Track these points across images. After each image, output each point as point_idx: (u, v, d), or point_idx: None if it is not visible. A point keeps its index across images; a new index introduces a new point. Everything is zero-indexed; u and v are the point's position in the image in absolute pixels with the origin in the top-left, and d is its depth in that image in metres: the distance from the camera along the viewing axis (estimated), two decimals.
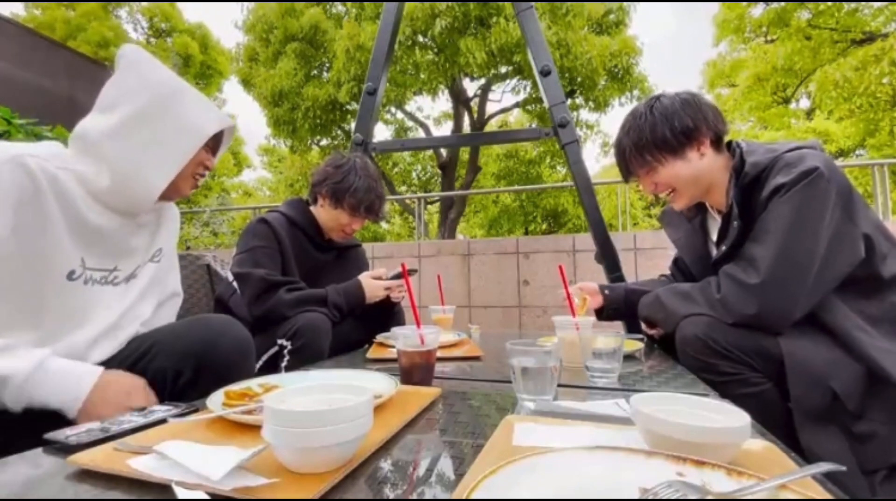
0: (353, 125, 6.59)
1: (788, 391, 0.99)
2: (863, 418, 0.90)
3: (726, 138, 1.18)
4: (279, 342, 1.33)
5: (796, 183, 0.98)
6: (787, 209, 0.98)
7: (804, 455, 0.95)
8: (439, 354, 1.04)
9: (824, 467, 0.44)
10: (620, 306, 1.46)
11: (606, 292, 1.46)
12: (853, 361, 0.93)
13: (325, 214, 1.58)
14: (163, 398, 0.87)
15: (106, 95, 0.92)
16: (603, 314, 1.50)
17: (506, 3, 6.13)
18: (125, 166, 0.88)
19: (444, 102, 10.91)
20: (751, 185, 1.08)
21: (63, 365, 0.78)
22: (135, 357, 0.93)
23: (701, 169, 1.14)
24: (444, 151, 9.60)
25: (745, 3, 9.87)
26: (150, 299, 1.05)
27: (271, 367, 1.32)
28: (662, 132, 1.13)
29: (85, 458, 0.52)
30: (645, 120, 1.16)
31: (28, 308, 0.82)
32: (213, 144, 1.03)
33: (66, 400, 0.75)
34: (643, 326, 1.38)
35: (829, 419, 0.91)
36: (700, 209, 1.31)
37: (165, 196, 0.99)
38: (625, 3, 8.03)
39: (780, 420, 0.98)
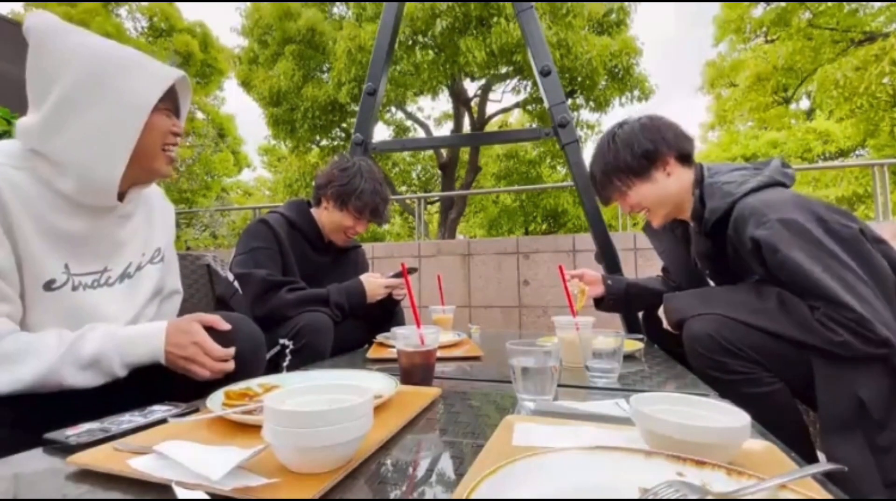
0: (352, 126, 6.58)
1: (802, 392, 0.98)
2: (886, 428, 0.88)
3: (694, 153, 1.21)
4: (281, 341, 1.33)
5: (782, 238, 0.95)
6: (798, 261, 0.93)
7: (816, 462, 0.94)
8: (439, 354, 1.04)
9: (825, 467, 0.44)
10: (620, 298, 1.49)
11: (609, 282, 1.50)
12: (878, 367, 0.91)
13: (328, 216, 1.58)
14: (176, 394, 0.86)
15: (29, 84, 0.81)
16: (602, 303, 1.52)
17: (506, 3, 6.12)
18: (72, 163, 0.80)
19: (444, 103, 10.92)
20: (715, 228, 1.10)
21: (132, 332, 0.84)
22: None
23: (669, 187, 1.19)
24: (444, 152, 9.60)
25: (745, 3, 9.87)
26: (152, 299, 1.04)
27: (273, 367, 1.32)
28: (625, 158, 1.19)
29: (85, 458, 0.52)
30: (609, 148, 1.23)
31: (15, 320, 0.79)
32: (172, 105, 0.92)
33: (153, 356, 0.84)
34: (666, 320, 1.26)
35: (854, 428, 0.90)
36: (682, 221, 1.32)
37: (140, 180, 0.92)
38: (625, 4, 8.04)
39: (790, 422, 0.97)
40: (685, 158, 1.19)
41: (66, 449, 0.56)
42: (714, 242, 1.14)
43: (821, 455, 0.97)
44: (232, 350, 0.88)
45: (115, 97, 0.81)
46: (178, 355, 0.84)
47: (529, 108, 9.30)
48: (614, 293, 1.49)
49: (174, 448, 0.50)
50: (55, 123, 0.79)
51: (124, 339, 0.82)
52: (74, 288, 0.85)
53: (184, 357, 0.84)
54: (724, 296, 1.07)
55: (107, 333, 0.82)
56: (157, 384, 0.87)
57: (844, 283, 0.90)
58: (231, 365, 0.88)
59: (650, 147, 1.17)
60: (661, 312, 1.30)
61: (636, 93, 7.90)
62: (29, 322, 0.81)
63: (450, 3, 6.57)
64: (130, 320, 0.94)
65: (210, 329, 0.88)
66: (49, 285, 0.81)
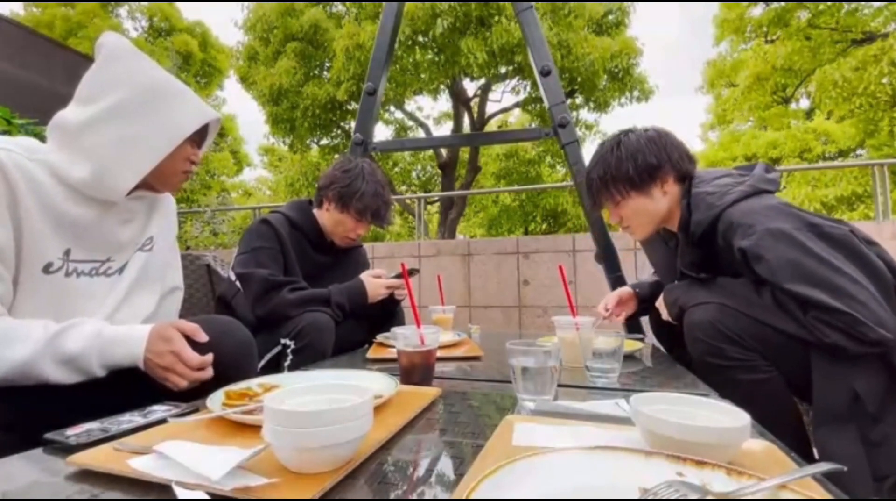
0: (352, 124, 6.58)
1: (797, 385, 0.98)
2: (879, 423, 0.88)
3: (694, 172, 1.19)
4: (282, 341, 1.33)
5: (767, 247, 0.95)
6: (783, 271, 0.94)
7: (810, 454, 0.94)
8: (439, 354, 1.04)
9: (824, 467, 0.44)
10: (648, 300, 1.46)
11: (637, 290, 1.48)
12: (875, 362, 0.91)
13: (329, 218, 1.57)
14: (165, 397, 0.86)
15: (85, 85, 0.90)
16: (635, 315, 1.50)
17: (506, 3, 6.12)
18: (98, 159, 0.86)
19: (444, 102, 10.91)
20: (702, 239, 1.10)
21: (118, 333, 0.84)
22: None
23: (661, 205, 1.19)
24: (444, 151, 9.59)
25: (745, 3, 9.87)
26: (149, 292, 1.03)
27: (274, 366, 1.32)
28: (626, 168, 1.17)
29: (85, 458, 0.52)
30: (612, 154, 1.20)
31: (5, 303, 0.81)
32: (198, 137, 1.01)
33: (132, 360, 0.84)
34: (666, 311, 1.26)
35: (848, 421, 0.90)
36: (675, 233, 1.31)
37: (153, 188, 0.99)
38: (625, 4, 8.04)
39: (784, 412, 0.97)
40: (683, 177, 1.18)
41: (66, 449, 0.56)
42: (702, 251, 1.14)
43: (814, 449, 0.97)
44: (209, 357, 0.86)
45: (155, 120, 0.91)
46: (155, 362, 0.83)
47: (529, 108, 9.30)
48: (645, 298, 1.46)
49: (174, 448, 0.50)
50: (97, 123, 0.87)
51: (107, 340, 0.82)
52: (68, 274, 0.87)
53: (161, 366, 0.83)
54: (726, 287, 1.07)
55: (93, 332, 0.81)
56: (157, 382, 0.87)
57: (833, 288, 0.90)
58: (209, 373, 0.87)
59: (654, 163, 1.15)
60: (659, 303, 1.29)
61: (636, 93, 7.90)
62: (17, 304, 0.82)
63: (451, 3, 6.56)
64: (116, 305, 0.94)
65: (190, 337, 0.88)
66: (47, 268, 0.84)
